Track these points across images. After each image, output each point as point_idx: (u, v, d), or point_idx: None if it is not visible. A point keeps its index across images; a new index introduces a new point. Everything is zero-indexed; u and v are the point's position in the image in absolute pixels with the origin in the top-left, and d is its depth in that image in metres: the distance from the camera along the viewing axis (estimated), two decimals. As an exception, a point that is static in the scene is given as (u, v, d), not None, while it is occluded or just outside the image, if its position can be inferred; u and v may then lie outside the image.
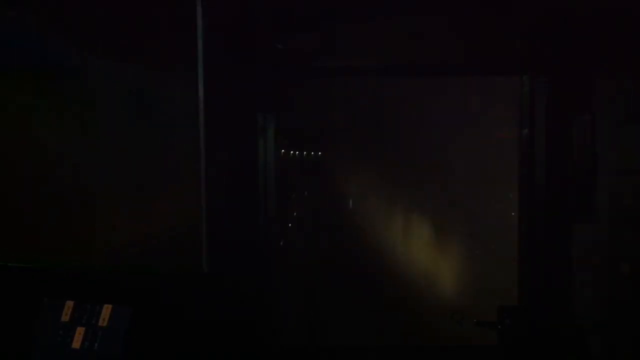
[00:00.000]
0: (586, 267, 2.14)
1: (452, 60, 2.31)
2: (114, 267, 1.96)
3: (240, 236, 2.16)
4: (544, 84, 2.18)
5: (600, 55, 2.09)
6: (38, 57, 2.49)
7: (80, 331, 1.74)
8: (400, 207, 2.72)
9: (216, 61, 2.09)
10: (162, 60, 2.58)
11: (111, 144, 2.84)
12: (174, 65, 2.57)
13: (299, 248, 2.65)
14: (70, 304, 1.79)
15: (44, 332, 1.77)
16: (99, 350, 1.70)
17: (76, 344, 1.73)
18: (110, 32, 2.52)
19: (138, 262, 2.49)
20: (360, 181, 2.70)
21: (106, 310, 1.75)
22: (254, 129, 2.21)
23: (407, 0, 2.23)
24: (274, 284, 2.40)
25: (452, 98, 2.52)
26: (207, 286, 1.93)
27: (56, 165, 2.67)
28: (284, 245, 2.56)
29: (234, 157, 2.16)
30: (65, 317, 1.78)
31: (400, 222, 2.74)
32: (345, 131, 2.69)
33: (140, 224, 2.93)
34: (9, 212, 2.51)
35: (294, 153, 2.63)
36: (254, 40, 2.15)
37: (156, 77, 2.73)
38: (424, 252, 2.66)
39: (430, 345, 2.56)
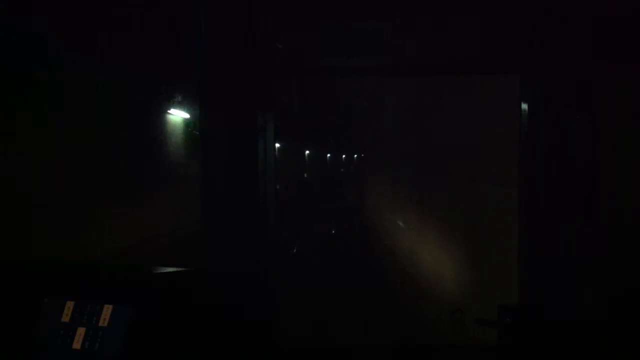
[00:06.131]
0: (586, 266, 2.14)
1: (451, 60, 2.31)
2: (114, 267, 1.96)
3: (241, 235, 2.16)
4: (543, 84, 2.18)
5: (600, 55, 2.09)
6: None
7: (80, 331, 1.73)
8: (400, 205, 2.72)
9: (216, 61, 2.09)
10: (162, 61, 2.58)
11: (111, 144, 2.83)
12: (174, 66, 2.58)
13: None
14: (70, 304, 1.78)
15: (44, 332, 1.77)
16: (100, 350, 1.70)
17: (76, 344, 1.72)
18: (108, 33, 2.52)
19: (138, 262, 2.49)
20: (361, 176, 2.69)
21: (106, 310, 1.74)
22: (254, 129, 2.22)
23: (406, 1, 2.23)
24: (273, 283, 2.40)
25: (452, 97, 2.52)
26: (207, 286, 1.93)
27: (57, 164, 2.66)
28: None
29: (234, 157, 2.16)
30: (65, 317, 1.77)
31: (401, 221, 2.74)
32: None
33: (141, 223, 2.93)
34: (10, 210, 2.51)
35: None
36: (254, 40, 2.15)
37: (156, 78, 2.72)
38: (427, 251, 2.66)
39: (430, 345, 2.56)
